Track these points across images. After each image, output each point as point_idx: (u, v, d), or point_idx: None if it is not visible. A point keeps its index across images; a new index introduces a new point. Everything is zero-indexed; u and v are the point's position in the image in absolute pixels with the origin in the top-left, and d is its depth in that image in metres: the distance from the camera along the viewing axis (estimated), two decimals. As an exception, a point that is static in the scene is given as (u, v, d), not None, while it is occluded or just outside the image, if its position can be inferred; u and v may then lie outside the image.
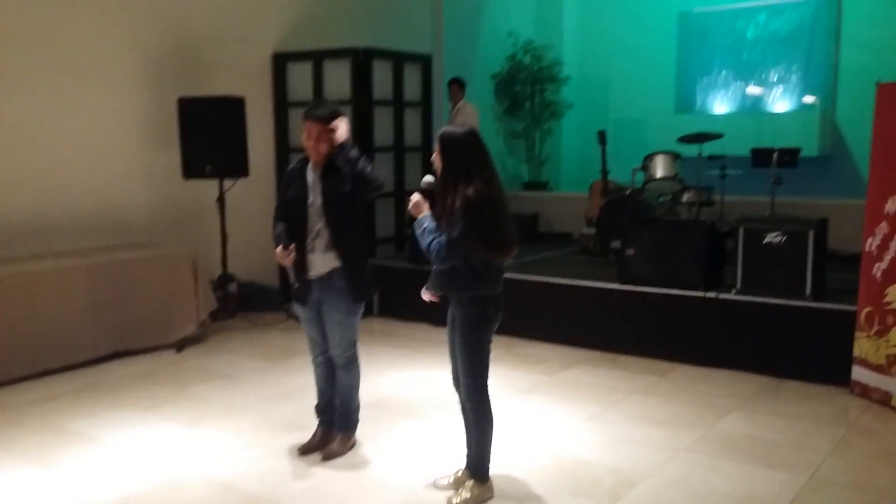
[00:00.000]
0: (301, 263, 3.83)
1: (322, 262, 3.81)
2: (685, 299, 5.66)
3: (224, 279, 6.92)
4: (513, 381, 5.22)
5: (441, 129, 3.45)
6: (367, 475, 3.81)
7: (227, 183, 6.80)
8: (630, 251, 6.01)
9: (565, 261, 7.53)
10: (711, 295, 5.57)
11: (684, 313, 5.68)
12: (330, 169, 3.80)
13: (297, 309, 4.00)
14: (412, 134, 8.24)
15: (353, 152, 3.79)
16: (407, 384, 5.26)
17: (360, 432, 4.17)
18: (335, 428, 4.08)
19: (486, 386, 3.46)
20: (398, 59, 8.04)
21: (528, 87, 10.60)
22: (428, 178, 3.43)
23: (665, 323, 5.75)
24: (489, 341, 3.44)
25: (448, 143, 3.33)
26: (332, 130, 3.77)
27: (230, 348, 6.19)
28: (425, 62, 8.40)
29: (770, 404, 4.75)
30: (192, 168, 6.64)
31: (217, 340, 6.41)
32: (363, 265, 3.96)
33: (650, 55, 10.65)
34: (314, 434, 4.12)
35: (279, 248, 3.77)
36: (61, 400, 4.95)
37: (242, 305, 7.13)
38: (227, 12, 7.35)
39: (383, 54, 7.87)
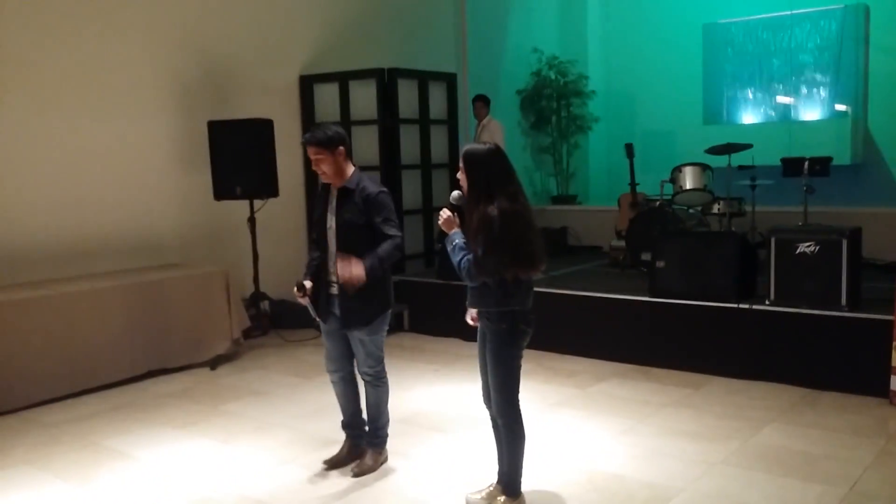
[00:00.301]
0: (324, 298, 3.90)
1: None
2: (718, 311, 5.60)
3: (256, 297, 6.99)
4: (545, 395, 5.20)
5: (465, 147, 3.48)
6: (398, 491, 3.82)
7: (258, 203, 6.89)
8: (661, 263, 5.96)
9: (595, 274, 7.49)
10: (744, 306, 5.50)
11: (717, 325, 5.61)
12: (344, 193, 3.83)
13: (321, 322, 4.05)
14: (439, 151, 8.30)
15: (371, 260, 3.69)
16: (437, 399, 5.26)
17: (391, 447, 4.18)
18: (364, 443, 4.10)
19: (517, 401, 3.45)
20: (423, 78, 8.12)
21: (553, 102, 10.63)
22: (456, 194, 3.45)
23: (698, 335, 5.69)
24: (520, 356, 3.44)
25: (471, 161, 3.36)
26: (330, 151, 3.76)
27: (263, 365, 6.25)
28: (450, 80, 8.47)
29: (807, 416, 4.67)
30: (223, 189, 6.75)
31: (250, 358, 6.47)
32: (371, 295, 3.77)
33: (676, 67, 10.62)
34: (341, 448, 4.15)
35: (295, 288, 3.86)
36: (98, 418, 5.04)
37: (274, 323, 7.21)
38: (253, 37, 7.49)
39: (408, 73, 7.96)
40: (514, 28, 10.51)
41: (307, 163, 7.87)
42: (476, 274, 3.28)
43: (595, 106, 10.87)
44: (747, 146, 7.34)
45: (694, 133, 9.85)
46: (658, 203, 7.42)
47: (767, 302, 5.44)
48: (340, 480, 3.94)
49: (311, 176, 7.88)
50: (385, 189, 3.87)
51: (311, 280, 3.92)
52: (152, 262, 6.65)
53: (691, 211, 7.40)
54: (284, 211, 7.35)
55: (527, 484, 3.57)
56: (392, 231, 3.78)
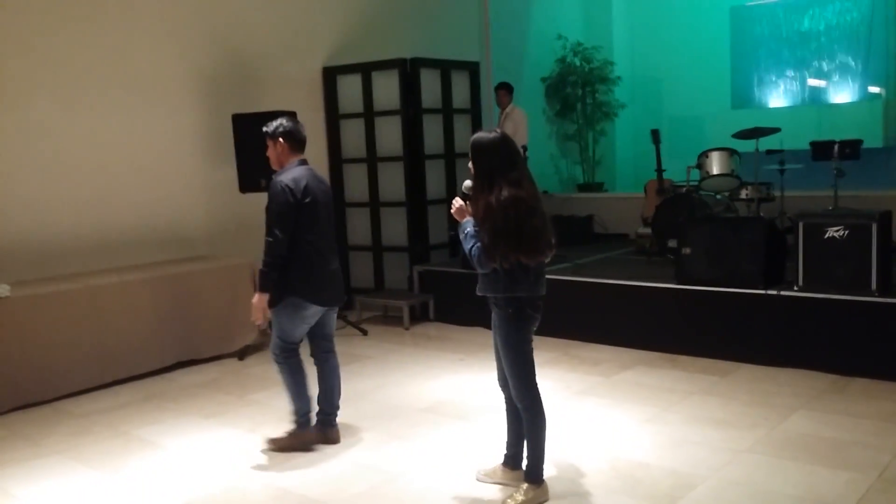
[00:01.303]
0: None
1: None
2: (745, 297, 5.53)
3: (282, 289, 7.04)
4: (569, 383, 5.18)
5: (472, 136, 3.49)
6: (420, 480, 3.83)
7: (283, 195, 6.92)
8: (687, 250, 5.90)
9: (622, 261, 7.44)
10: (772, 292, 5.42)
11: (745, 312, 5.54)
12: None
13: None
14: (462, 140, 8.28)
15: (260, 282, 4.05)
16: (462, 388, 5.27)
17: (417, 435, 4.22)
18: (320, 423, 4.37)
19: (534, 384, 3.46)
20: (446, 67, 8.10)
21: (578, 89, 10.54)
22: (468, 183, 3.48)
23: (725, 322, 5.63)
24: (529, 341, 3.46)
25: (476, 149, 3.40)
26: (272, 142, 4.09)
27: (289, 356, 6.29)
28: (473, 69, 8.43)
29: (836, 403, 4.60)
30: (248, 182, 6.77)
31: (276, 349, 6.53)
32: (265, 275, 4.05)
33: (703, 51, 10.48)
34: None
35: None
36: (128, 408, 5.13)
37: (300, 314, 7.24)
38: (277, 30, 7.52)
39: (431, 63, 7.95)
40: (537, 14, 10.43)
41: (331, 154, 7.98)
42: (485, 261, 3.32)
43: (621, 92, 10.76)
44: (775, 130, 7.23)
45: (722, 118, 9.74)
46: (685, 189, 7.35)
47: (796, 288, 5.36)
48: (364, 470, 3.97)
49: (335, 167, 7.94)
50: (286, 183, 3.96)
51: None
52: (179, 254, 6.73)
53: (718, 197, 7.31)
54: (309, 202, 7.38)
55: (550, 471, 3.57)
56: (267, 235, 3.99)
